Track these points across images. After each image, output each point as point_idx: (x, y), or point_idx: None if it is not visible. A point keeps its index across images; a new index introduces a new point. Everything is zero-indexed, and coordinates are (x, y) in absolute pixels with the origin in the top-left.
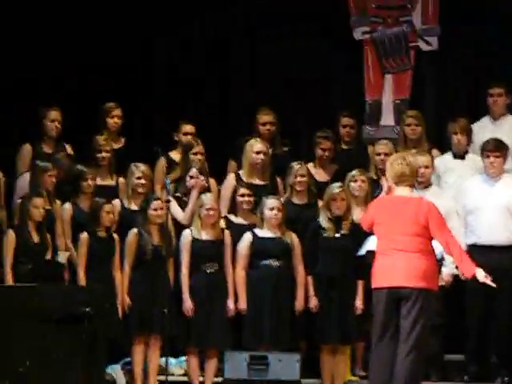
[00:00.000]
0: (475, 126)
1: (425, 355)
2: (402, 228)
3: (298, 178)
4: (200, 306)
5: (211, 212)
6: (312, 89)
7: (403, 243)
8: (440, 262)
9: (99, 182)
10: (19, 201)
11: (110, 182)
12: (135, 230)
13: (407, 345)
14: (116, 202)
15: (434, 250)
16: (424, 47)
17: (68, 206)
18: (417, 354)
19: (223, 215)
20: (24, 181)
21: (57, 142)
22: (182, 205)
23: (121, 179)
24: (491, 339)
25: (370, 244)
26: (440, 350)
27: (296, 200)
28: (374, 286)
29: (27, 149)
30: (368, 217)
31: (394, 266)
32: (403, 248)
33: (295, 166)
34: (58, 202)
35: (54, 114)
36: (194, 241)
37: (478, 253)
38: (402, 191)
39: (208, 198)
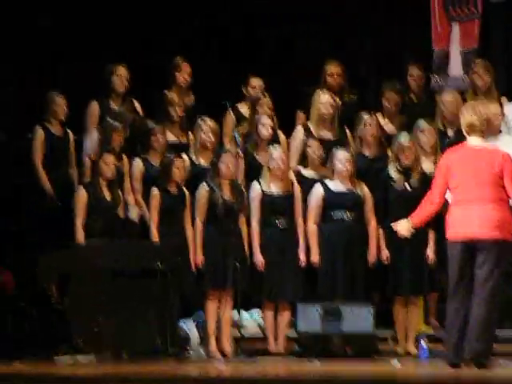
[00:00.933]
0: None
1: (499, 304)
2: (477, 178)
3: (368, 127)
4: (272, 260)
5: (280, 164)
6: (380, 38)
7: (477, 193)
8: None
9: (171, 138)
10: (88, 159)
11: (182, 139)
12: (205, 186)
13: (482, 294)
14: (185, 157)
15: (508, 199)
16: None
17: (138, 161)
18: (491, 302)
19: (293, 168)
20: (93, 138)
21: (124, 98)
22: (250, 159)
23: (191, 135)
24: None
25: None
26: None
27: (366, 151)
28: (448, 237)
29: (95, 106)
30: (441, 171)
31: (468, 217)
32: (478, 198)
33: (364, 115)
34: (126, 158)
35: (121, 70)
36: (264, 194)
37: None
38: (474, 141)
39: (277, 150)
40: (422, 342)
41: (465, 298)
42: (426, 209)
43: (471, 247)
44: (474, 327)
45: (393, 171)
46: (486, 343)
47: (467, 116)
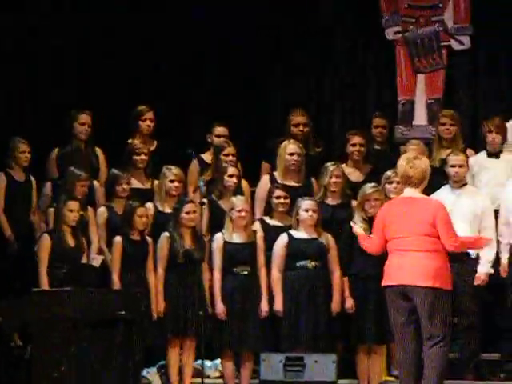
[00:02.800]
0: (509, 124)
1: (448, 350)
2: (411, 228)
3: (333, 179)
4: (234, 310)
5: (243, 214)
6: (345, 90)
7: (412, 243)
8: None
9: (136, 184)
10: (51, 207)
11: (146, 185)
12: (167, 234)
13: (429, 342)
14: (149, 205)
15: (445, 250)
16: (456, 46)
17: (103, 209)
18: (440, 351)
19: (258, 217)
20: (47, 188)
21: (86, 146)
22: (214, 208)
23: (155, 182)
24: None
25: None
26: (476, 349)
27: (330, 201)
28: (384, 284)
29: (55, 153)
30: (378, 224)
31: (402, 265)
32: (411, 248)
33: (330, 166)
34: (90, 207)
35: (84, 118)
36: (226, 244)
37: None
38: (409, 192)
39: (239, 200)
40: None
41: (414, 344)
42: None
43: (406, 295)
44: (425, 377)
45: (358, 221)
46: None
47: (400, 167)
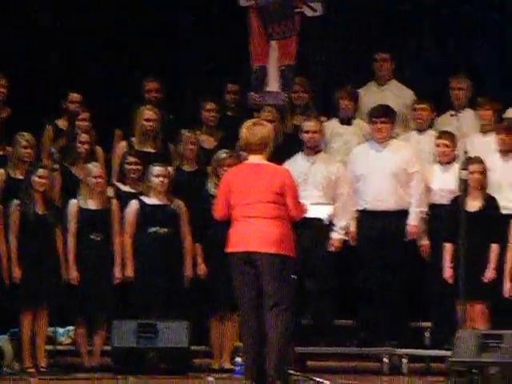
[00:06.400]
0: (361, 92)
1: (292, 317)
2: (256, 195)
3: (189, 146)
4: (87, 275)
5: (98, 180)
6: (198, 57)
7: (257, 210)
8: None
9: None
10: None
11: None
12: (16, 201)
13: (274, 308)
14: (0, 171)
15: (288, 217)
16: (309, 13)
17: None
18: (285, 316)
19: (112, 183)
20: None
21: None
22: (67, 174)
23: (8, 148)
24: (381, 304)
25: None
26: (329, 315)
27: (186, 167)
28: (228, 250)
29: None
30: (223, 190)
31: (248, 232)
32: (257, 214)
33: (185, 133)
34: None
35: None
36: (81, 210)
37: (367, 218)
38: (253, 158)
39: (95, 167)
40: (237, 357)
41: (256, 309)
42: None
43: (251, 261)
44: (270, 344)
45: (212, 187)
46: (282, 360)
47: (243, 134)
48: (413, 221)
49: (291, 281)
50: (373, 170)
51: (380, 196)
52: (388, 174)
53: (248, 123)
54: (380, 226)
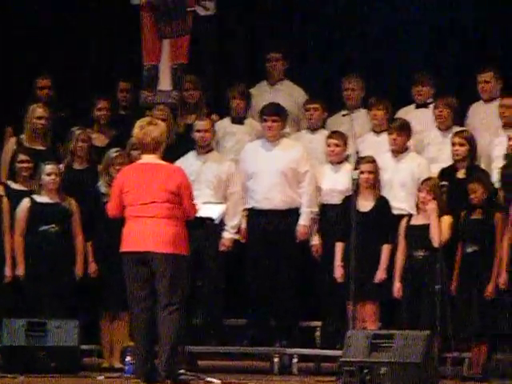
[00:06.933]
0: (253, 91)
1: (184, 315)
2: (150, 195)
3: (79, 143)
4: None
5: None
6: (91, 53)
7: (152, 209)
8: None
9: None
10: None
11: None
12: None
13: (167, 308)
14: None
15: (183, 216)
16: (202, 12)
17: None
18: (177, 316)
19: (1, 181)
20: None
21: None
22: None
23: None
24: (272, 303)
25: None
26: (219, 314)
27: (77, 165)
28: (122, 250)
29: None
30: (116, 189)
31: (142, 232)
32: (152, 214)
33: (75, 130)
34: None
35: None
36: None
37: (257, 217)
38: (147, 158)
39: None
40: (127, 356)
41: (147, 309)
42: None
43: (147, 261)
44: (162, 343)
45: (103, 186)
46: (173, 359)
47: (136, 134)
48: (303, 221)
49: (185, 281)
50: (262, 168)
51: (268, 194)
52: (277, 172)
53: (141, 122)
54: (269, 224)
